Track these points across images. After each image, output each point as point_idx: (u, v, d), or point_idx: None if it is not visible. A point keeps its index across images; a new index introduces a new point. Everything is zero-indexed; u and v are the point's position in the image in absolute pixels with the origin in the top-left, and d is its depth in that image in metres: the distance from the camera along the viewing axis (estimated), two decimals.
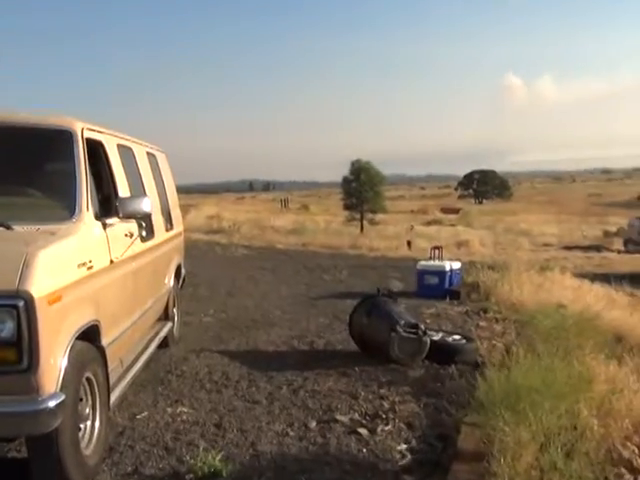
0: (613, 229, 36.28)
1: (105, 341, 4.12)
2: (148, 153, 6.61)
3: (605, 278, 13.60)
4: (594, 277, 13.99)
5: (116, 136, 5.31)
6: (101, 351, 4.02)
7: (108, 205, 4.59)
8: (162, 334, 6.36)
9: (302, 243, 20.69)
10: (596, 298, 10.25)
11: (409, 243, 19.99)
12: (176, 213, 7.56)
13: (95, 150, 4.65)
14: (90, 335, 3.85)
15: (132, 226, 4.89)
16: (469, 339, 6.85)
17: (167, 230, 6.68)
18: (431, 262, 11.32)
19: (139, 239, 5.07)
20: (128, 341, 5.02)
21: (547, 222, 39.70)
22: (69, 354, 3.44)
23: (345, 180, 35.64)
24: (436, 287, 10.59)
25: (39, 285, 3.19)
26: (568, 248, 26.95)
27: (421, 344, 6.23)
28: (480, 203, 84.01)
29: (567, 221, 40.34)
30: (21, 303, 3.10)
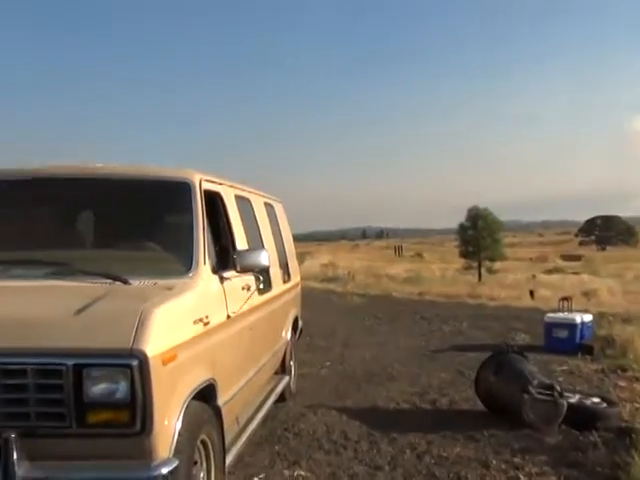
0: None
1: (221, 401, 3.93)
2: (265, 203, 6.51)
3: None
4: None
5: (234, 187, 5.22)
6: (217, 411, 3.82)
7: (225, 258, 4.43)
8: (279, 389, 6.17)
9: (418, 292, 20.19)
10: None
11: (532, 292, 19.05)
12: (293, 264, 7.41)
13: (213, 201, 4.54)
14: (206, 395, 3.67)
15: (249, 279, 4.72)
16: (611, 402, 6.21)
17: (284, 282, 6.52)
18: (560, 314, 10.60)
19: (256, 292, 4.89)
20: (244, 398, 4.82)
21: None
22: (184, 416, 3.25)
23: (461, 227, 34.68)
24: (566, 341, 9.87)
25: (154, 344, 3.03)
26: None
27: (557, 407, 5.68)
28: (603, 250, 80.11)
29: None
30: (135, 363, 2.94)
